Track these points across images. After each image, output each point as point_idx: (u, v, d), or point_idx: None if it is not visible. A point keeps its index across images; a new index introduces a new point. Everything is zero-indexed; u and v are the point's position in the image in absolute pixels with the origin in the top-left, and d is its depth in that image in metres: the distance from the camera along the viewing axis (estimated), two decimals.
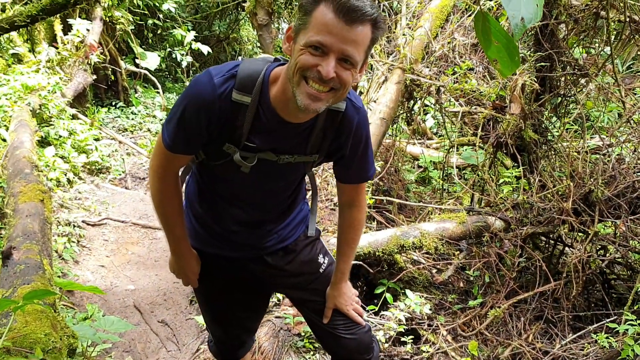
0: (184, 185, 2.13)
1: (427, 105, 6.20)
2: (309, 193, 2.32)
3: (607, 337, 3.39)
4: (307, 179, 2.16)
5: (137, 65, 8.59)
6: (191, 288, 4.40)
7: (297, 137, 1.81)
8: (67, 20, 7.11)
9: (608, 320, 3.57)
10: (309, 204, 2.28)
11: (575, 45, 3.96)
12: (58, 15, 7.03)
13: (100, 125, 7.07)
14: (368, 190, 4.35)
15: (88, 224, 5.12)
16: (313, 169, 2.10)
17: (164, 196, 1.93)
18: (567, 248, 4.17)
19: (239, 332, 2.47)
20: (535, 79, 3.79)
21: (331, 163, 2.04)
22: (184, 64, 9.27)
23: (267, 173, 1.86)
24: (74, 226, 4.88)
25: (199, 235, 2.09)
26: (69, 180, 5.66)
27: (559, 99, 4.03)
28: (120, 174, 6.49)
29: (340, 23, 1.50)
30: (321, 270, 2.23)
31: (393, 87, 4.39)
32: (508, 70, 1.50)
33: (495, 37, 1.41)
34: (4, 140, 5.05)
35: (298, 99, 1.59)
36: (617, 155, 4.17)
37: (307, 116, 1.73)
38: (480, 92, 4.00)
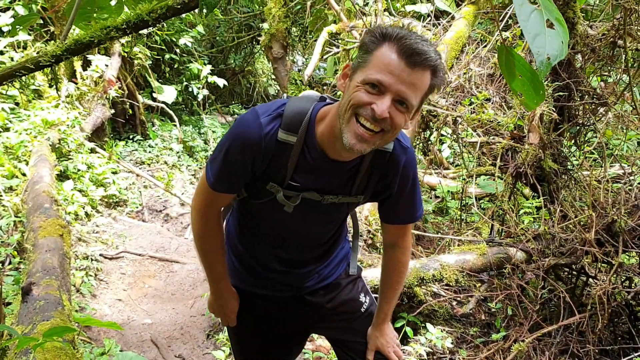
0: (225, 222, 2.11)
1: (443, 135, 6.20)
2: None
3: None
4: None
5: (154, 99, 8.71)
6: (209, 322, 4.38)
7: (342, 177, 1.79)
8: (86, 56, 7.24)
9: (636, 354, 3.46)
10: (350, 241, 2.25)
11: (592, 75, 3.94)
12: None
13: (118, 158, 7.13)
14: None
15: (105, 257, 5.13)
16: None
17: (206, 235, 1.92)
18: (590, 279, 4.08)
19: None
20: (554, 109, 3.77)
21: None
22: (200, 97, 9.38)
23: (310, 213, 1.84)
24: (92, 260, 4.89)
25: (238, 273, 2.07)
26: (86, 214, 5.69)
27: (578, 128, 4.00)
28: (137, 207, 6.52)
29: (401, 64, 1.48)
30: (362, 310, 2.18)
31: None
32: (534, 104, 1.49)
33: (519, 71, 1.40)
34: (24, 174, 5.10)
35: (344, 137, 1.56)
36: (639, 183, 4.10)
37: (353, 155, 1.68)
38: (498, 122, 3.99)
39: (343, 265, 2.16)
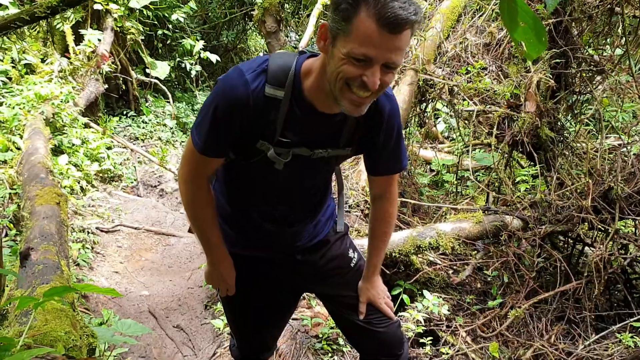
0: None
1: (438, 110, 6.20)
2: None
3: (631, 337, 3.33)
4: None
5: (147, 75, 8.63)
6: (206, 293, 4.40)
7: (330, 129, 1.79)
8: (79, 30, 7.16)
9: (632, 319, 3.50)
10: (335, 199, 2.26)
11: (590, 42, 3.93)
12: (70, 26, 7.09)
13: (112, 133, 7.08)
14: None
15: (102, 231, 5.12)
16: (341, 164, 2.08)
17: (198, 204, 1.90)
18: (586, 248, 4.11)
19: (266, 337, 2.42)
20: (551, 76, 3.75)
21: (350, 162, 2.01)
22: (193, 73, 9.30)
23: (300, 169, 1.84)
24: (88, 233, 4.88)
25: (229, 237, 2.04)
26: (82, 188, 5.67)
27: (575, 96, 3.99)
28: (132, 182, 6.50)
29: (384, 34, 1.45)
30: (352, 265, 2.20)
31: (406, 89, 4.37)
32: (535, 52, 1.47)
33: (522, 18, 1.38)
34: (19, 148, 5.06)
35: (342, 105, 1.59)
36: (635, 153, 4.11)
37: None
38: (495, 91, 3.97)
39: (330, 223, 2.17)
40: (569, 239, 4.04)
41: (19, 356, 1.32)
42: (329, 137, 1.80)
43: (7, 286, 2.60)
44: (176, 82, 10.34)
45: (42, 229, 2.83)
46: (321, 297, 2.42)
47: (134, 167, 6.78)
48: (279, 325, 2.44)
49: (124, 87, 8.17)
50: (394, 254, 3.78)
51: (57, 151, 5.80)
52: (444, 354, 3.50)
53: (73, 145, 6.02)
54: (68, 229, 3.48)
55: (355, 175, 4.36)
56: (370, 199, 2.15)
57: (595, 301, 3.70)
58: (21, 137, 5.20)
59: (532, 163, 4.05)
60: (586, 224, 3.75)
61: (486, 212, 3.94)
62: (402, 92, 4.40)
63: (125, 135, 7.69)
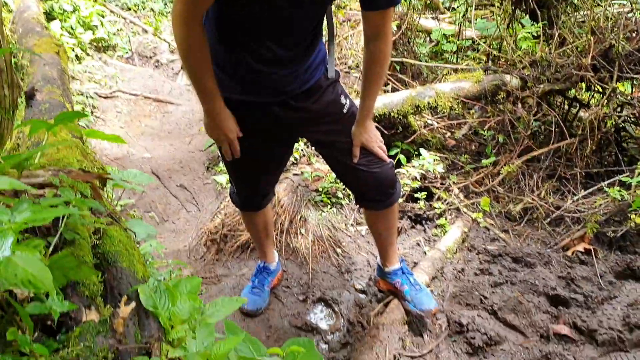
0: None
1: None
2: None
3: (619, 190, 3.44)
4: None
5: None
6: (207, 156, 4.47)
7: None
8: None
9: (621, 175, 3.60)
10: (326, 45, 2.24)
11: None
12: None
13: (104, 1, 6.84)
14: None
15: (100, 96, 5.11)
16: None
17: (192, 46, 1.86)
18: (581, 112, 4.16)
19: (264, 183, 2.53)
20: None
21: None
22: None
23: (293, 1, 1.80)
24: (87, 97, 4.87)
25: (223, 82, 2.03)
26: (77, 56, 5.57)
27: None
28: (127, 52, 6.38)
29: None
30: (344, 111, 2.24)
31: None
32: None
33: None
34: (10, 11, 4.91)
35: None
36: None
37: None
38: None
39: (321, 69, 2.16)
40: (566, 99, 4.06)
41: (40, 147, 1.38)
42: None
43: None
44: None
45: (44, 74, 2.81)
46: (315, 143, 2.49)
47: (128, 37, 6.62)
48: (272, 174, 2.54)
49: None
50: (392, 115, 3.83)
51: (48, 18, 5.63)
52: (436, 208, 3.64)
53: (64, 11, 5.82)
54: (69, 79, 3.46)
55: (356, 35, 4.30)
56: (364, 41, 2.11)
57: (586, 160, 3.79)
58: None
59: (534, 23, 3.99)
60: (584, 84, 3.76)
61: (486, 71, 3.93)
62: None
63: (117, 5, 7.43)
